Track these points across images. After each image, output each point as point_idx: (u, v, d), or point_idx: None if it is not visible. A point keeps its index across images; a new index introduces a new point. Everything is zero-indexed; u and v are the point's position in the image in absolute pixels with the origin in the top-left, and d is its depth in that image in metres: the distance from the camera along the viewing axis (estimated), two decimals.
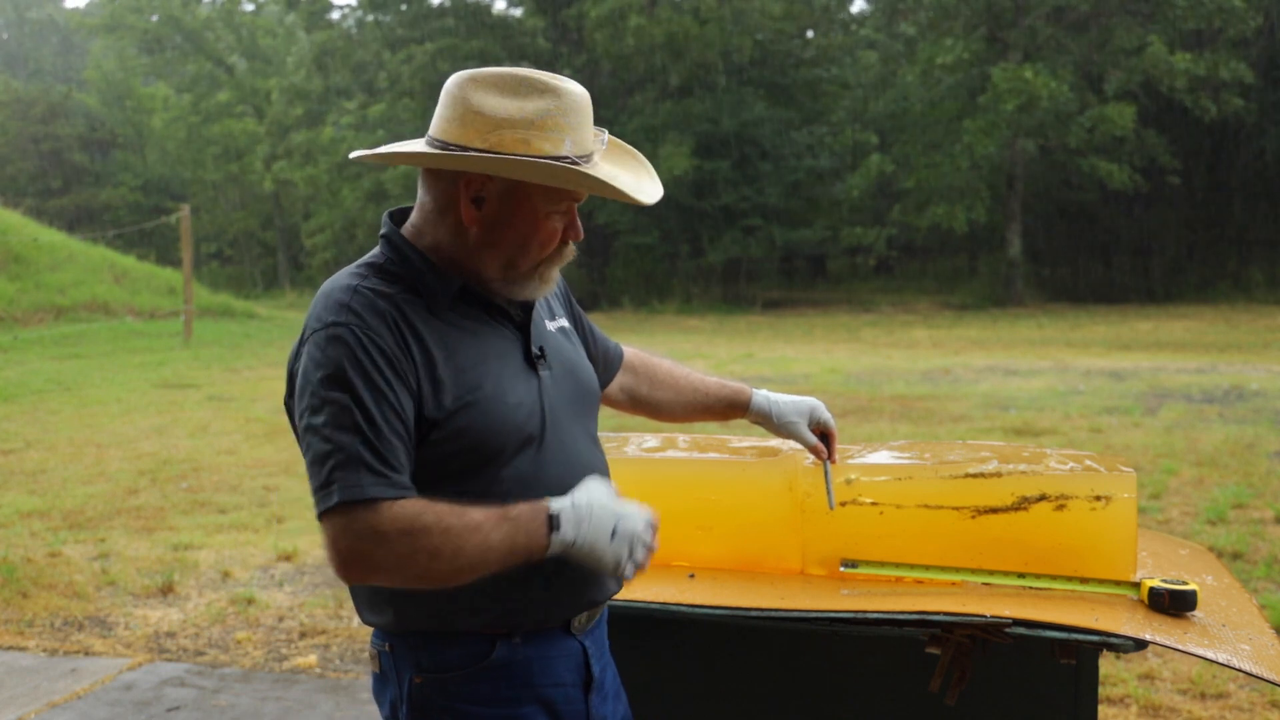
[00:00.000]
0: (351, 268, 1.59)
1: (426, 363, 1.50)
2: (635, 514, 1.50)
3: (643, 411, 2.05)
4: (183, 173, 38.40)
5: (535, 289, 1.61)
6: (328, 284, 1.57)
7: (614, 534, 1.47)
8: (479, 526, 1.43)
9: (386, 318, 1.49)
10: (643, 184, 1.63)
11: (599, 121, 1.61)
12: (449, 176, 1.55)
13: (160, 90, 39.21)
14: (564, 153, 1.50)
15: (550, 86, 1.53)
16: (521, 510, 1.46)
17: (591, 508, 1.48)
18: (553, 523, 1.46)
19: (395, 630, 1.58)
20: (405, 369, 1.48)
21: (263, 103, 35.84)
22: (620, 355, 2.00)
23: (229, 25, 38.90)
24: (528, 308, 1.65)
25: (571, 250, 1.62)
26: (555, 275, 1.63)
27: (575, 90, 1.54)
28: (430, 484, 1.51)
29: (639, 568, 1.51)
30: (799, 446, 2.09)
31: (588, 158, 1.52)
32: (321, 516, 1.42)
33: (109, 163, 40.47)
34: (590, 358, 1.85)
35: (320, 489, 1.43)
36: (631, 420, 2.14)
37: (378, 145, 1.69)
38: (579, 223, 1.60)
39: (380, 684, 1.63)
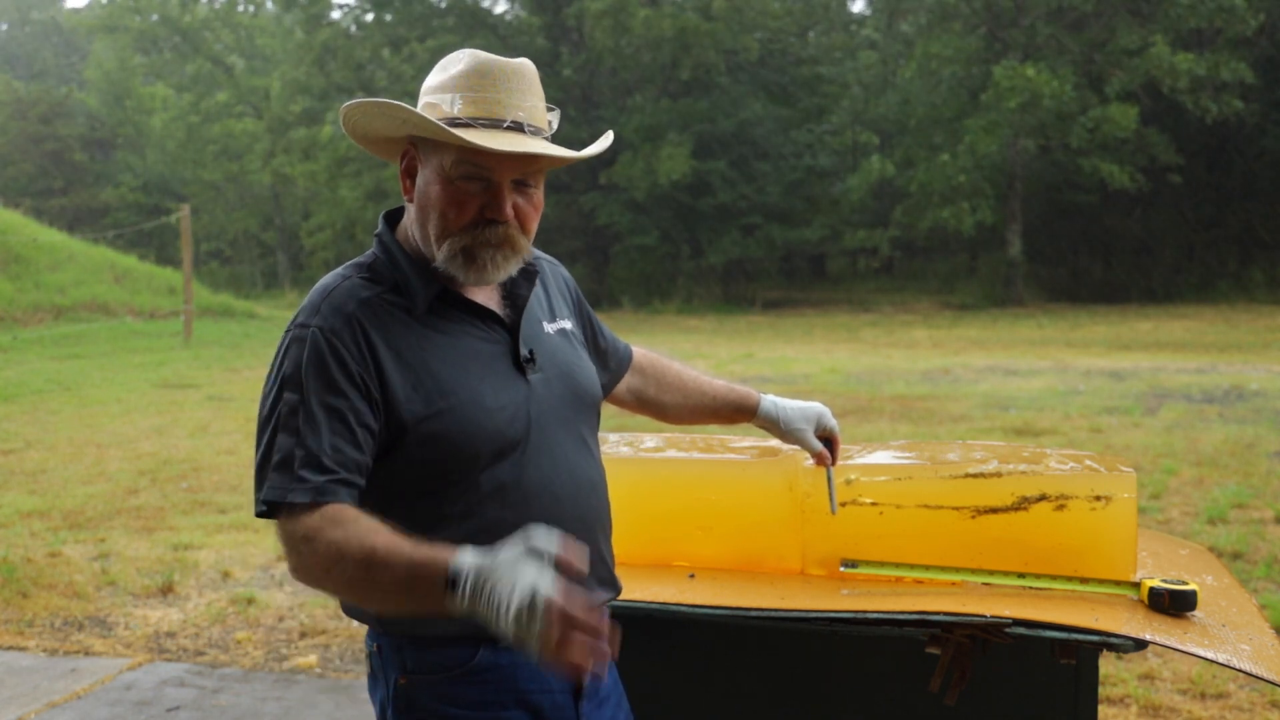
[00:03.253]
0: (341, 267, 1.62)
1: (397, 367, 1.50)
2: (530, 584, 1.22)
3: (649, 413, 2.05)
4: (183, 172, 38.38)
5: (471, 275, 1.54)
6: (318, 282, 1.60)
7: (511, 606, 1.22)
8: (374, 561, 1.34)
9: (353, 321, 1.50)
10: (514, 145, 1.49)
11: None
12: (401, 168, 1.62)
13: (160, 90, 39.21)
14: (455, 114, 1.51)
15: (476, 57, 1.55)
16: (423, 557, 1.31)
17: (500, 571, 1.24)
18: (452, 582, 1.28)
19: (381, 630, 1.59)
20: (365, 374, 1.48)
21: (261, 101, 35.85)
22: (629, 356, 1.99)
23: (227, 25, 38.91)
24: (518, 309, 1.64)
25: (504, 234, 1.53)
26: (493, 262, 1.54)
27: (499, 61, 1.54)
28: (406, 490, 1.52)
29: (549, 662, 1.22)
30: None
31: (496, 122, 1.51)
32: (259, 515, 1.47)
33: (109, 163, 40.46)
34: (597, 359, 1.84)
35: (255, 488, 1.47)
36: (633, 420, 2.14)
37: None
38: (505, 202, 1.52)
39: (372, 684, 1.64)
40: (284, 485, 1.43)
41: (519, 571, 1.23)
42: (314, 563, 1.39)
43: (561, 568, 1.24)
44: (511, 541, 1.28)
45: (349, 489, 1.45)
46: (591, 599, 1.22)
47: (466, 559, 1.29)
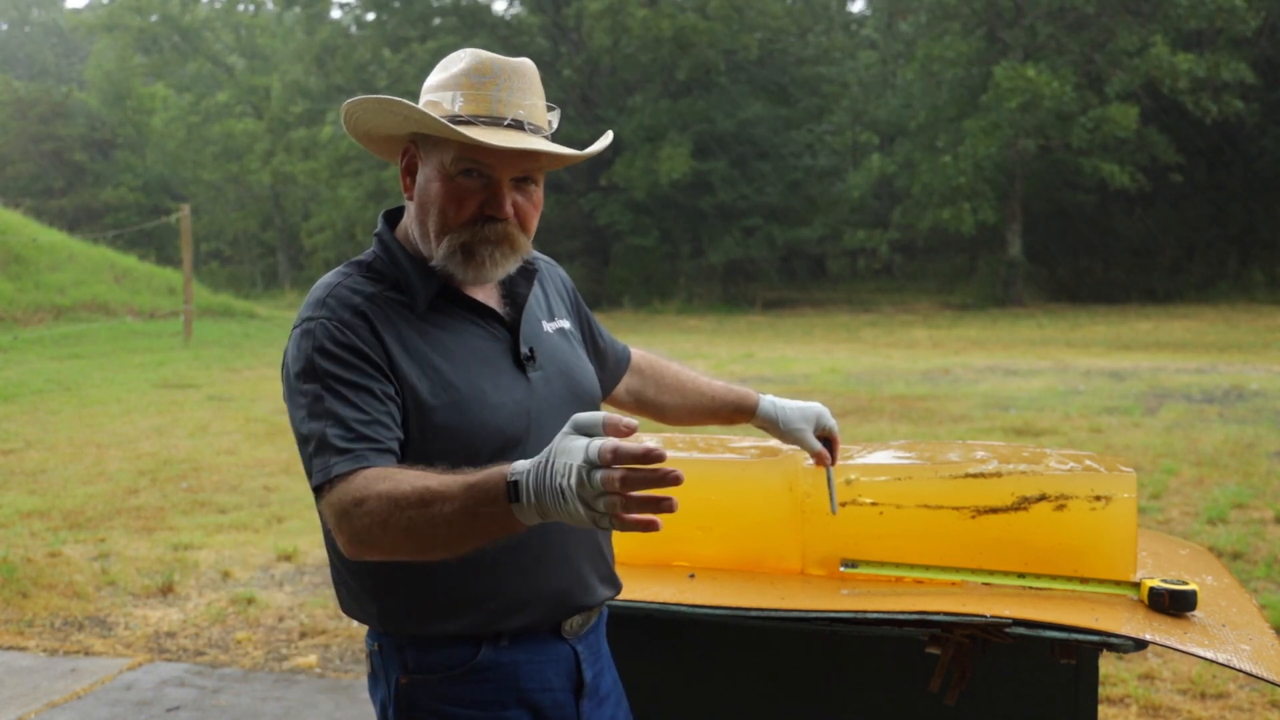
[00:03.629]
0: (341, 265, 1.63)
1: (404, 359, 1.51)
2: (584, 448, 1.18)
3: (648, 414, 2.05)
4: (183, 173, 38.40)
5: (469, 272, 1.55)
6: (318, 281, 1.60)
7: (571, 486, 1.18)
8: (431, 497, 1.29)
9: (359, 312, 1.51)
10: (513, 143, 1.50)
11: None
12: (402, 166, 1.62)
13: (160, 90, 39.22)
14: (456, 112, 1.51)
15: (477, 56, 1.55)
16: (479, 479, 1.28)
17: (553, 462, 1.20)
18: (513, 494, 1.23)
19: (382, 630, 1.59)
20: (377, 356, 1.49)
21: (262, 101, 35.87)
22: (628, 358, 1.99)
23: (227, 25, 38.92)
24: (518, 307, 1.64)
25: (504, 231, 1.54)
26: (491, 259, 1.55)
27: (500, 60, 1.55)
28: None
29: (621, 520, 1.17)
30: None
31: (496, 120, 1.51)
32: (316, 503, 1.44)
33: (109, 163, 40.45)
34: (595, 360, 1.84)
35: (308, 477, 1.45)
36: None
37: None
38: (504, 200, 1.53)
39: (373, 684, 1.64)
40: (326, 464, 1.41)
41: (571, 445, 1.19)
42: (369, 521, 1.33)
43: (611, 431, 1.19)
44: (557, 437, 1.23)
45: (388, 455, 1.43)
46: (649, 448, 1.17)
47: (521, 464, 1.24)
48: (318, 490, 1.42)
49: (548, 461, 1.21)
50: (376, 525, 1.33)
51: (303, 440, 1.46)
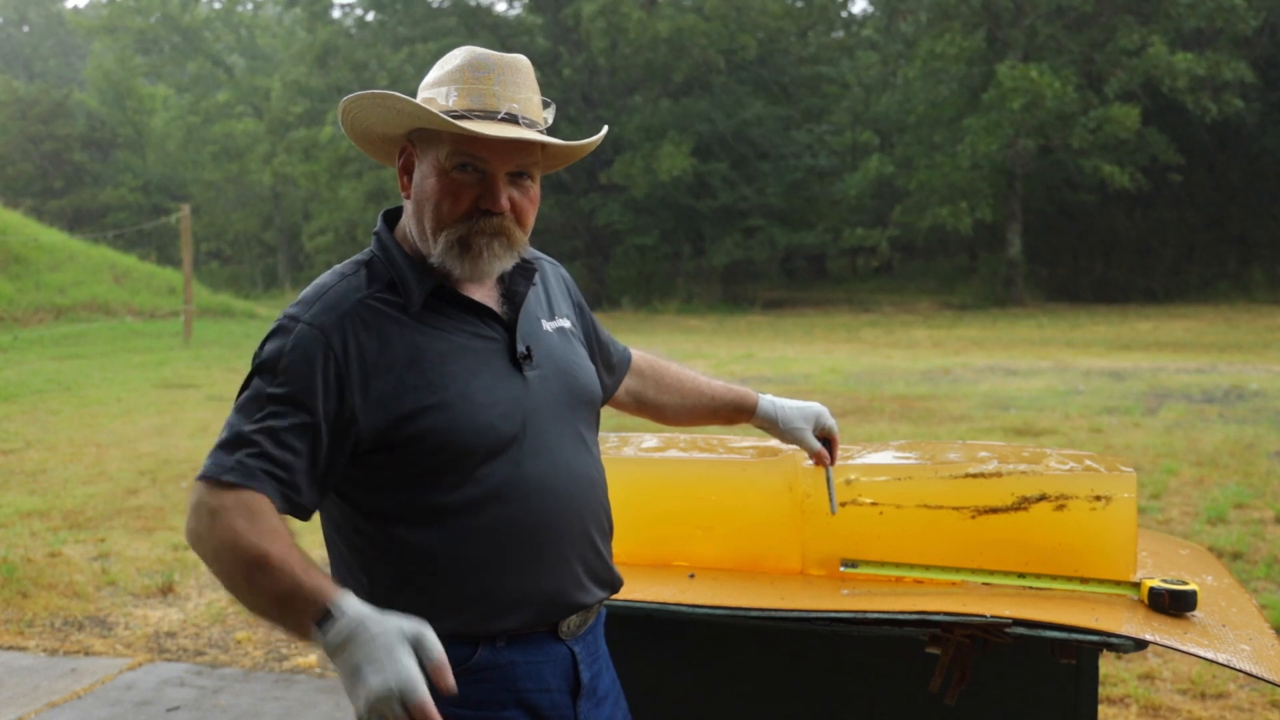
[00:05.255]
0: (339, 265, 1.63)
1: (385, 368, 1.50)
2: (399, 677, 1.24)
3: (648, 414, 2.05)
4: (183, 173, 38.43)
5: (466, 266, 1.55)
6: (317, 278, 1.60)
7: (372, 686, 1.24)
8: (260, 564, 1.34)
9: (344, 321, 1.50)
10: (507, 134, 1.49)
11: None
12: (399, 165, 1.63)
13: (160, 90, 39.26)
14: (450, 106, 1.52)
15: (472, 52, 1.56)
16: (310, 583, 1.32)
17: (374, 643, 1.26)
18: (324, 619, 1.29)
19: None
20: (343, 380, 1.47)
21: (262, 101, 35.88)
22: (628, 359, 1.99)
23: (228, 25, 38.93)
24: (516, 306, 1.64)
25: (499, 225, 1.54)
26: (489, 250, 1.54)
27: (494, 56, 1.56)
28: (405, 484, 1.52)
29: None
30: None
31: (490, 114, 1.51)
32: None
33: (109, 163, 40.46)
34: (595, 361, 1.84)
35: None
36: (632, 421, 2.14)
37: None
38: (500, 193, 1.53)
39: None
40: (222, 464, 1.42)
41: (394, 658, 1.25)
42: (209, 540, 1.38)
43: (432, 675, 1.26)
44: (399, 620, 1.28)
45: (278, 487, 1.43)
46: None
47: (351, 606, 1.29)
48: (202, 476, 1.42)
49: (374, 637, 1.26)
50: (210, 549, 1.38)
51: (227, 420, 1.47)
